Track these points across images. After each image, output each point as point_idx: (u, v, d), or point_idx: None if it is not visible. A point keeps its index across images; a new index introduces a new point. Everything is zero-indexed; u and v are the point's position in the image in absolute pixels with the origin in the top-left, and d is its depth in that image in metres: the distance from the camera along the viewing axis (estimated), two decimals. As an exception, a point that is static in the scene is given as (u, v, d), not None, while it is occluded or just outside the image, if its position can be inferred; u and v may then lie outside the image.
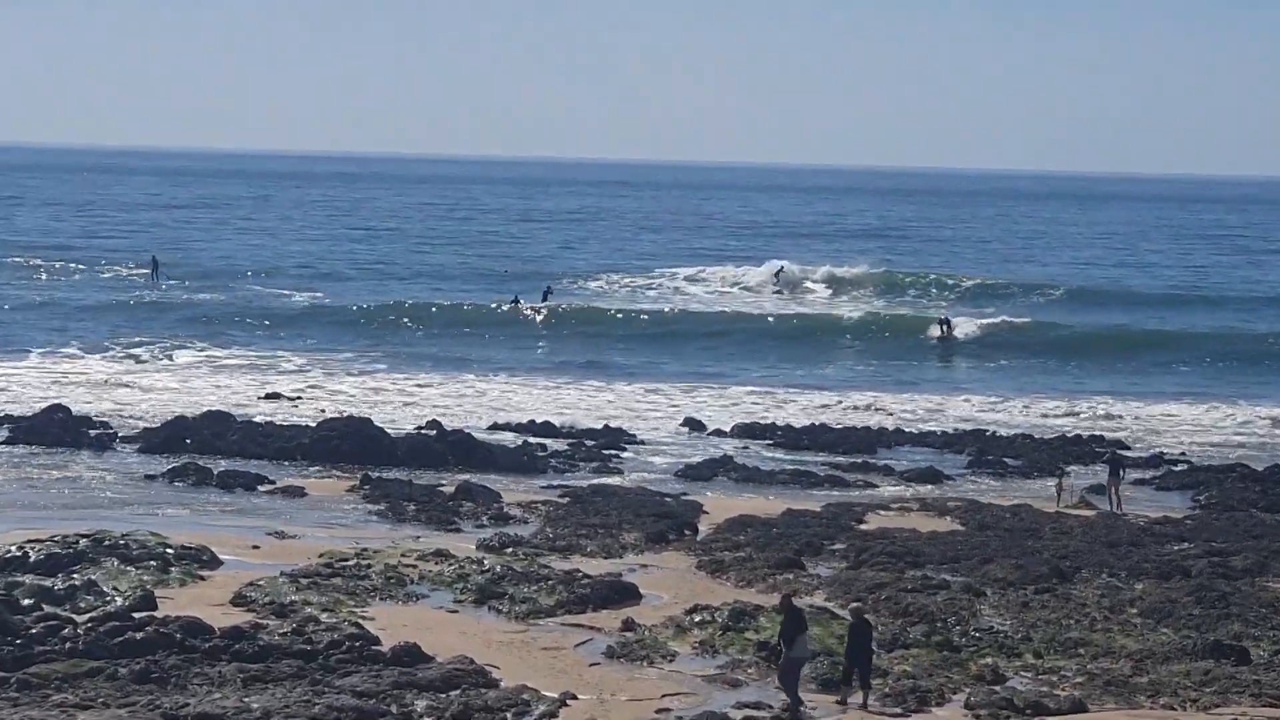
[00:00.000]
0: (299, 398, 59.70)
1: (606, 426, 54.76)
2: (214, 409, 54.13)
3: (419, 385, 64.46)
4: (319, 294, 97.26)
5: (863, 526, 40.54)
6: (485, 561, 34.88)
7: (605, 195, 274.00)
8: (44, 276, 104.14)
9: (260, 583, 32.20)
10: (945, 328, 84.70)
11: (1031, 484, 48.23)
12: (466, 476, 45.29)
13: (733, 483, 46.96)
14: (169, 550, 34.24)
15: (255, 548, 36.23)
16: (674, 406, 61.05)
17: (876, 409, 61.83)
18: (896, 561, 35.84)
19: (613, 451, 50.87)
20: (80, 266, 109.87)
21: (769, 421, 57.27)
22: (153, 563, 33.28)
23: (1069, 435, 56.00)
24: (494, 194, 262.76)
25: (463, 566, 34.33)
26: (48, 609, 29.52)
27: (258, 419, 53.28)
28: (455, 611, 31.60)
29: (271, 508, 41.36)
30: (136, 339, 75.13)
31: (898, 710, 26.47)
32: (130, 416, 54.27)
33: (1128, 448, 53.76)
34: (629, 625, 30.49)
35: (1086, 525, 41.17)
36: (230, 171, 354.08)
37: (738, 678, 27.86)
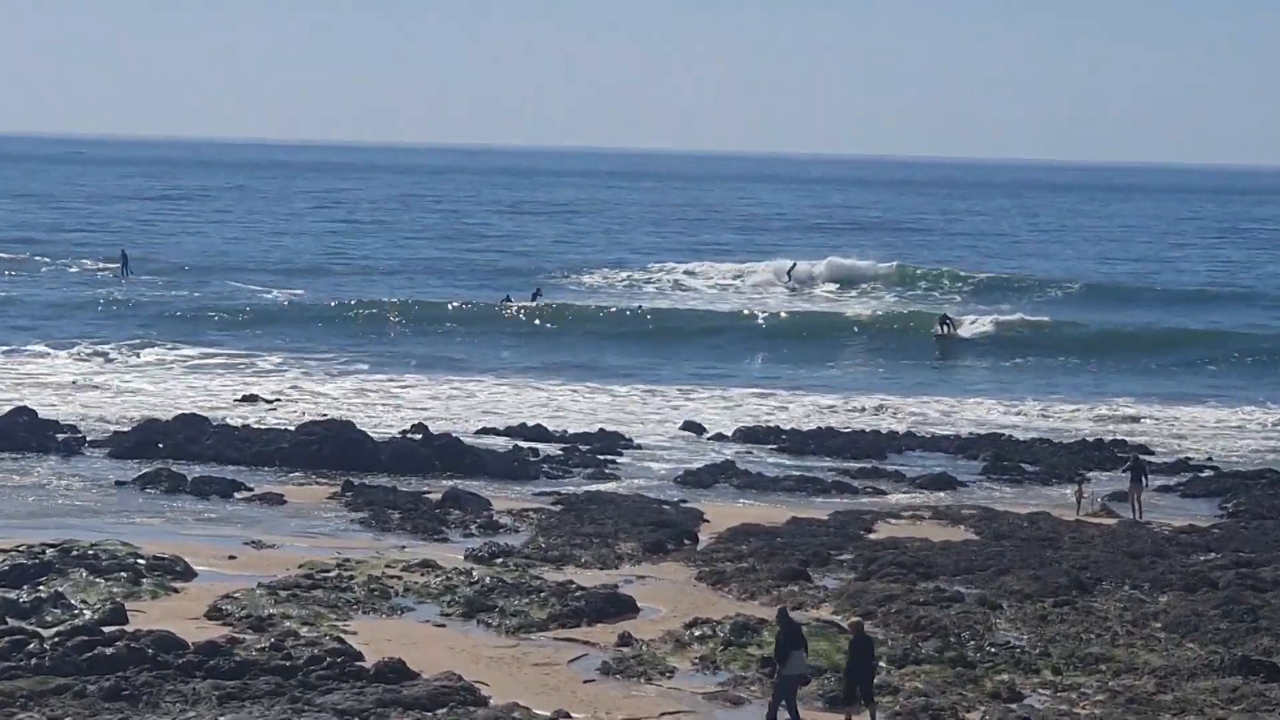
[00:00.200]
0: (277, 400, 59.77)
1: (601, 430, 54.79)
2: (188, 412, 54.23)
3: (404, 387, 64.51)
4: (298, 290, 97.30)
5: (872, 536, 40.56)
6: (474, 573, 34.86)
7: (601, 186, 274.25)
8: (8, 272, 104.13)
9: (237, 595, 32.20)
10: (947, 326, 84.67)
11: (1050, 491, 48.28)
12: (454, 483, 45.32)
13: (734, 489, 47.01)
14: (140, 561, 34.25)
15: (231, 558, 36.24)
16: (672, 409, 61.13)
17: (886, 410, 61.89)
18: (907, 573, 35.84)
19: (608, 456, 50.90)
20: (46, 260, 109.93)
21: (772, 425, 57.36)
22: (123, 574, 33.30)
23: (1089, 439, 56.03)
24: (487, 184, 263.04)
25: (450, 578, 34.32)
26: (12, 623, 29.47)
27: (234, 422, 53.34)
28: (442, 625, 31.60)
29: (249, 516, 41.38)
30: (106, 338, 75.14)
31: (909, 729, 26.51)
32: (99, 419, 54.36)
33: (1151, 452, 53.82)
34: (625, 640, 30.47)
35: (1108, 535, 41.18)
36: (207, 161, 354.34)
37: (740, 695, 27.86)
